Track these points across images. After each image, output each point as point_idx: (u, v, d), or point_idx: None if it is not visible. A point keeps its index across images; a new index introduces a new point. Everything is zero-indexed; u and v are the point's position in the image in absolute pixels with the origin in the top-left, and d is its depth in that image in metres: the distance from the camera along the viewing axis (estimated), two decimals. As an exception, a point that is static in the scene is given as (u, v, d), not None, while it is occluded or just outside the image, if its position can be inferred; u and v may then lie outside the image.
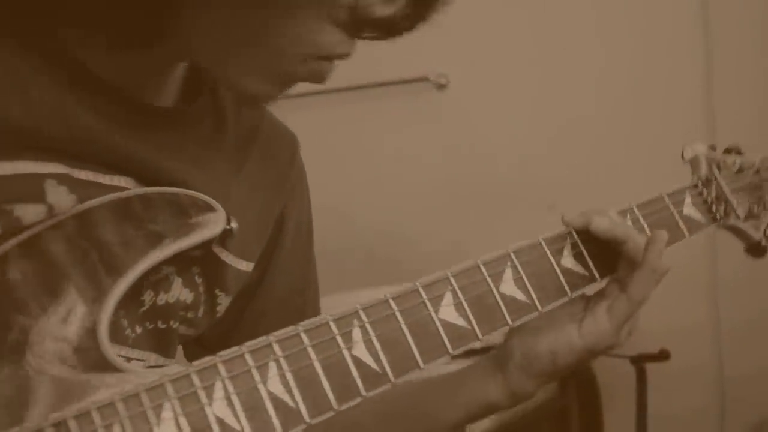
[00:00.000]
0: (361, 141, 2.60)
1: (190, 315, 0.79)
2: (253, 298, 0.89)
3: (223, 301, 0.83)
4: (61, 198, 0.68)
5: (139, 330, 0.74)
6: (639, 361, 2.11)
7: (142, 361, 0.75)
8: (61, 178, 0.68)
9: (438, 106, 2.56)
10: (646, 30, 2.35)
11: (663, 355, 2.07)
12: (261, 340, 0.64)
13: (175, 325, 0.77)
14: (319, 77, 0.74)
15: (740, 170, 0.94)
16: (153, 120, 0.75)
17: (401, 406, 0.91)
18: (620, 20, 2.38)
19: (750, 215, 0.93)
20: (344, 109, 2.56)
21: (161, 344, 0.77)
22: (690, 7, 2.31)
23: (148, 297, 0.73)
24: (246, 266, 0.84)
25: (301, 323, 0.65)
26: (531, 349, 0.83)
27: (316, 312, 0.96)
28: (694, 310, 2.35)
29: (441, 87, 2.54)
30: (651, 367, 2.11)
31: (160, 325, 0.76)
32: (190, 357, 0.82)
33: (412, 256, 2.44)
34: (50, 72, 0.69)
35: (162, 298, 0.75)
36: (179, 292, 0.76)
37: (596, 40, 2.40)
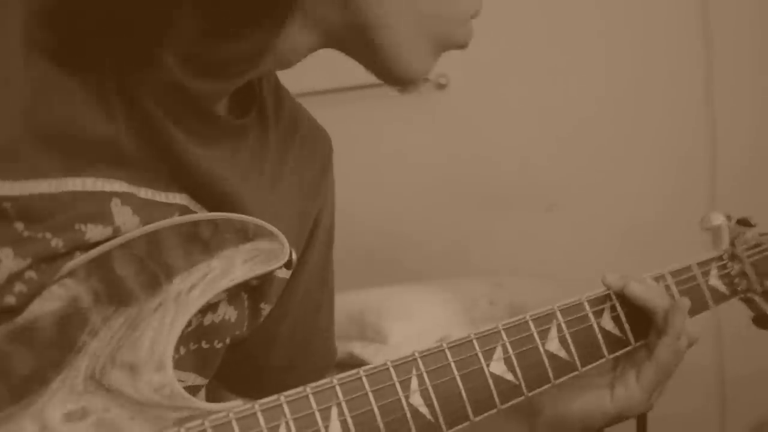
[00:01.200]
0: (361, 141, 2.58)
1: (237, 333, 0.79)
2: (280, 297, 0.89)
3: (266, 312, 0.83)
4: (126, 219, 0.67)
5: (182, 351, 0.74)
6: (639, 362, 2.12)
7: (182, 381, 0.74)
8: (124, 198, 0.67)
9: (438, 106, 2.54)
10: (647, 31, 2.35)
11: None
12: (324, 383, 0.65)
13: (218, 345, 0.77)
14: (468, 38, 0.76)
15: (756, 245, 0.99)
16: (215, 131, 0.74)
17: None
18: (621, 21, 2.38)
19: (763, 290, 0.98)
20: (344, 109, 2.55)
21: (202, 364, 0.77)
22: (690, 9, 2.32)
23: (195, 319, 0.73)
24: (286, 274, 0.84)
25: (363, 368, 0.66)
26: (562, 410, 0.84)
27: (331, 308, 0.96)
28: (694, 311, 2.35)
29: (441, 87, 2.53)
30: (651, 367, 2.12)
31: (204, 345, 0.76)
32: None
33: (412, 256, 2.47)
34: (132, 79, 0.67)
35: (208, 319, 0.75)
36: (225, 311, 0.76)
37: (597, 40, 2.40)
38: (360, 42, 0.73)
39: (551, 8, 2.42)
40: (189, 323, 0.71)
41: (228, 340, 0.79)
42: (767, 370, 2.21)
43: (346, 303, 1.87)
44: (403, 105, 2.58)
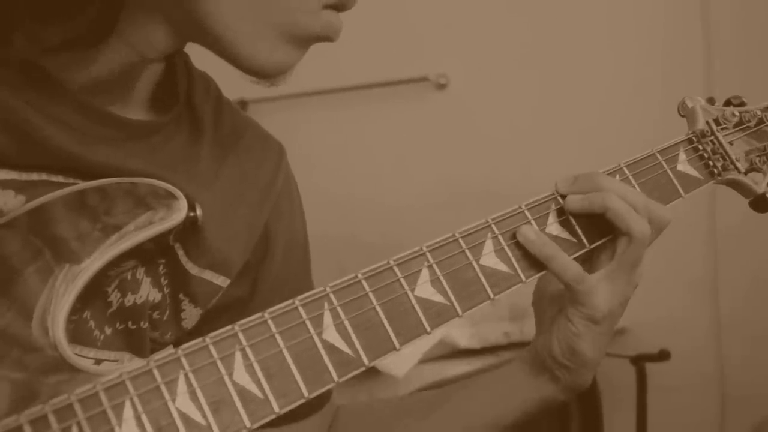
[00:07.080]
0: (361, 141, 2.61)
1: (156, 316, 0.76)
2: (244, 315, 0.86)
3: (188, 309, 0.79)
4: (8, 200, 0.66)
5: (108, 331, 0.71)
6: (639, 361, 2.12)
7: (115, 361, 0.72)
8: (5, 184, 0.66)
9: (438, 106, 2.57)
10: (647, 31, 2.35)
11: (663, 355, 2.08)
12: (225, 330, 0.60)
13: (145, 325, 0.75)
14: (333, 31, 0.72)
15: (740, 122, 0.89)
16: (121, 132, 0.73)
17: (446, 413, 0.88)
18: (622, 21, 2.38)
19: (752, 168, 0.88)
20: (344, 109, 2.57)
21: (134, 344, 0.74)
22: (691, 10, 2.31)
23: (115, 298, 0.71)
24: (221, 281, 0.80)
25: (268, 309, 0.62)
26: (568, 343, 0.82)
27: None
28: (695, 310, 2.34)
29: (441, 87, 2.57)
30: (651, 367, 2.12)
31: (131, 325, 0.74)
32: None
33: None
34: (12, 82, 0.67)
35: (129, 299, 0.72)
36: (147, 291, 0.74)
37: (597, 39, 2.40)
38: (203, 33, 0.72)
39: (551, 8, 2.43)
40: (110, 303, 0.70)
41: (149, 320, 0.76)
42: (767, 370, 2.19)
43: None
44: (403, 105, 2.66)
